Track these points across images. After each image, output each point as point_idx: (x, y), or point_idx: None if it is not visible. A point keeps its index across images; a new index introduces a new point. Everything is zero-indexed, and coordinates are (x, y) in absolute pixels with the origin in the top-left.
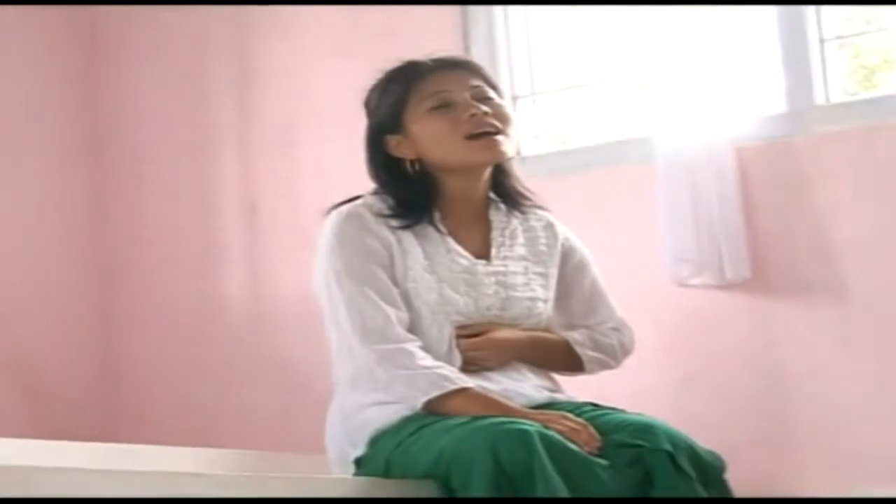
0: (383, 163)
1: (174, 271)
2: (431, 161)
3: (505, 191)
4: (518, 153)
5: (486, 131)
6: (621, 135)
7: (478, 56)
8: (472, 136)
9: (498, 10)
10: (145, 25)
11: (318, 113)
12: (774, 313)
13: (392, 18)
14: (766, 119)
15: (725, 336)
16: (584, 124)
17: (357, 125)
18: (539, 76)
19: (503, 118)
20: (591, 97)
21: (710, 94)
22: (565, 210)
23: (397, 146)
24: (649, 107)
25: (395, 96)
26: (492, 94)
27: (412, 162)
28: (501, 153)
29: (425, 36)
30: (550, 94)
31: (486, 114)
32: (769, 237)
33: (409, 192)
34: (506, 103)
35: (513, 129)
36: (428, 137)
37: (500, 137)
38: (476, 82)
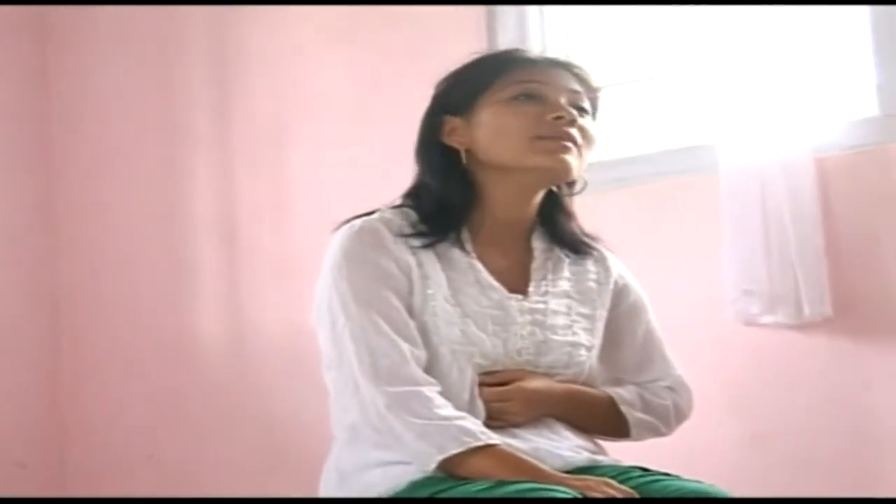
0: (431, 147)
1: (136, 302)
2: (484, 156)
3: (566, 234)
4: (580, 182)
5: (560, 136)
6: (677, 142)
7: (505, 43)
8: (542, 137)
9: None
10: (106, 10)
11: (312, 114)
12: (862, 358)
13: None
14: (852, 124)
15: (802, 386)
16: (632, 129)
17: (359, 128)
18: None
19: (586, 136)
20: (641, 96)
21: (785, 95)
22: (607, 232)
23: (452, 132)
24: (712, 109)
25: (480, 76)
26: (588, 107)
27: (459, 154)
28: (566, 165)
29: (439, 22)
30: None
31: (572, 122)
32: (855, 266)
33: (445, 191)
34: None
35: (589, 153)
36: (493, 128)
37: (573, 149)
38: (577, 88)
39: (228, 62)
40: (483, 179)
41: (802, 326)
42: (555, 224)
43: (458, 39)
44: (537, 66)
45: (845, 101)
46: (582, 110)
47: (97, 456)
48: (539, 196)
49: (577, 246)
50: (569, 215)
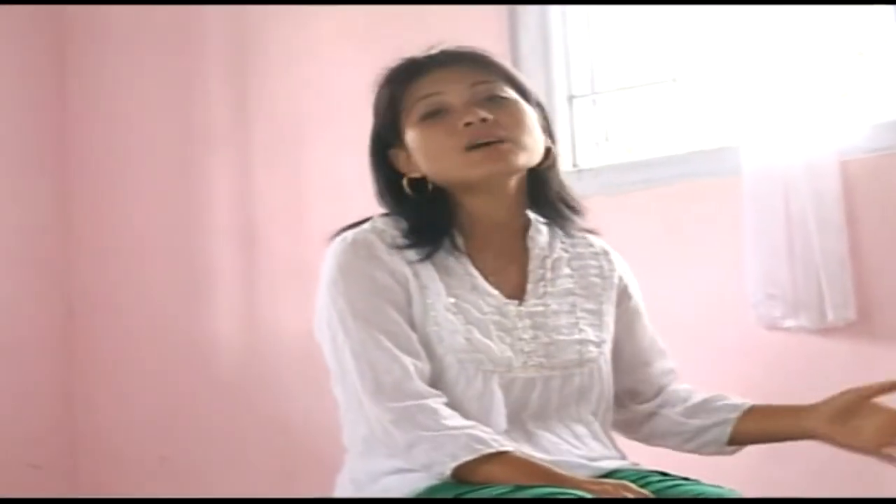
0: (388, 180)
1: (151, 304)
2: (435, 178)
3: (545, 202)
4: (552, 157)
5: (486, 142)
6: (700, 144)
7: (527, 42)
8: (472, 147)
9: None
10: (123, 9)
11: (332, 114)
12: (885, 363)
13: None
14: (877, 126)
15: (825, 390)
16: (654, 130)
17: None
18: (601, 72)
19: (513, 122)
20: (664, 98)
21: (809, 97)
22: (629, 234)
23: (406, 161)
24: (735, 111)
25: (390, 101)
26: (504, 91)
27: (421, 180)
28: (508, 163)
29: (460, 22)
30: (614, 94)
31: (483, 120)
32: (879, 270)
33: (422, 216)
34: (521, 100)
35: (530, 134)
36: (424, 151)
37: (505, 146)
38: (480, 78)
39: (247, 62)
40: (455, 194)
41: (825, 330)
42: (536, 196)
43: (480, 39)
44: (433, 72)
45: (870, 103)
46: (493, 98)
47: (111, 457)
48: (512, 193)
49: (559, 209)
50: (544, 183)
